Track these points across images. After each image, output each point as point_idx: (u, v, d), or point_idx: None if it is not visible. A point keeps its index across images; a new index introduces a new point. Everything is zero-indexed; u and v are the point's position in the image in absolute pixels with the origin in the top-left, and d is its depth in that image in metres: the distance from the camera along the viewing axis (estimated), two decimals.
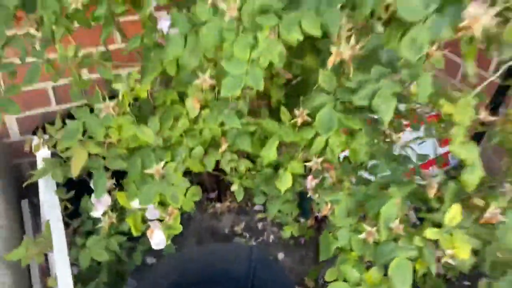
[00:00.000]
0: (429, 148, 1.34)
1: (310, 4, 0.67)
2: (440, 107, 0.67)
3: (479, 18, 0.50)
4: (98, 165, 0.80)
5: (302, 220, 1.55)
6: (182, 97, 0.87)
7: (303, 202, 1.56)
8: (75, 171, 0.77)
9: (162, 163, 0.79)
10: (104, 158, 0.80)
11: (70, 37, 0.88)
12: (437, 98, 0.69)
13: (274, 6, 0.65)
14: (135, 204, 0.98)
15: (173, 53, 0.69)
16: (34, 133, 1.53)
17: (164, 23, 0.85)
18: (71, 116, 1.07)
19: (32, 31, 0.83)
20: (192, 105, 0.77)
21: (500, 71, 0.99)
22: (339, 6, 0.66)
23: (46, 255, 1.13)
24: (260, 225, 1.70)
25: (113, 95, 0.85)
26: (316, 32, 0.63)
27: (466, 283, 1.51)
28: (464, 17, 0.51)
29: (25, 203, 1.60)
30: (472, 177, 0.67)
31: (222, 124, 0.87)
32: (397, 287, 0.68)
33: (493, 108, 1.43)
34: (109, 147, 0.80)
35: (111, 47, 1.57)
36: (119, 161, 0.79)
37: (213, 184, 1.77)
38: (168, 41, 0.70)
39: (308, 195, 0.98)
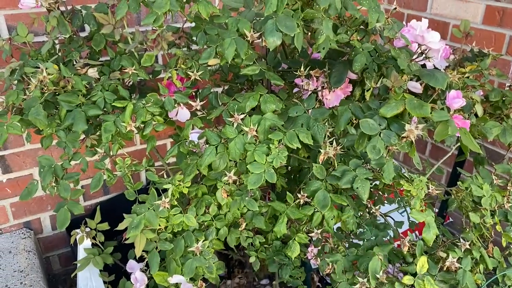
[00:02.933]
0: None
1: (302, 120, 0.98)
2: (400, 186, 0.95)
3: (413, 131, 0.80)
4: (152, 247, 1.03)
5: None
6: (209, 190, 1.13)
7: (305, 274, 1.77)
8: (138, 253, 1.01)
9: (200, 242, 1.03)
10: (155, 241, 1.04)
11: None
12: (398, 179, 0.97)
13: (278, 125, 0.94)
14: (172, 280, 1.20)
15: (208, 161, 0.97)
16: (66, 228, 1.75)
17: (194, 136, 1.14)
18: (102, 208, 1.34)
19: (97, 148, 1.10)
20: (221, 196, 1.03)
21: (452, 150, 1.29)
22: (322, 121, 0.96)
23: None
24: None
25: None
26: (309, 141, 0.93)
27: None
28: (404, 130, 0.81)
29: None
30: (429, 235, 0.92)
31: (241, 208, 1.13)
32: None
33: (453, 179, 1.71)
34: (158, 233, 1.04)
35: (132, 148, 1.86)
36: (167, 243, 1.03)
37: (223, 262, 1.96)
38: (204, 152, 0.98)
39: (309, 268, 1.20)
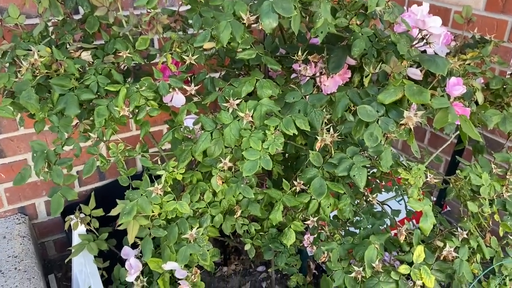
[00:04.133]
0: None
1: (299, 106, 0.95)
2: (398, 174, 0.93)
3: (412, 118, 0.78)
4: (145, 233, 1.02)
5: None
6: (204, 177, 1.12)
7: (301, 261, 1.77)
8: (131, 240, 1.00)
9: (194, 229, 1.01)
10: (149, 228, 1.02)
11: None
12: (396, 167, 0.95)
13: (275, 111, 0.92)
14: (166, 267, 1.19)
15: (203, 147, 0.95)
16: (61, 214, 1.74)
17: (189, 122, 1.12)
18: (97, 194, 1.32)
19: (90, 133, 1.08)
20: (216, 182, 1.02)
21: (451, 138, 1.27)
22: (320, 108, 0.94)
23: None
24: (264, 284, 1.88)
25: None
26: (306, 128, 0.91)
27: None
28: (403, 117, 0.79)
29: (52, 278, 1.77)
30: (427, 224, 0.91)
31: (236, 195, 1.11)
32: None
33: (452, 168, 1.70)
34: (152, 219, 1.03)
35: (128, 134, 1.84)
36: (160, 230, 1.02)
37: (219, 249, 1.96)
38: (199, 138, 0.96)
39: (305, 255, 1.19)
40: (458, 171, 1.16)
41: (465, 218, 1.10)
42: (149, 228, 1.02)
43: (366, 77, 0.94)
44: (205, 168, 1.09)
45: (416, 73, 1.00)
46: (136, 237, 1.08)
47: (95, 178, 1.86)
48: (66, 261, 1.37)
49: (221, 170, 1.02)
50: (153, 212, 1.01)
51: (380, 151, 0.92)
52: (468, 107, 1.08)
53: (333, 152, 0.96)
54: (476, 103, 1.17)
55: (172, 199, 1.00)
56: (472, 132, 0.80)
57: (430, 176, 0.95)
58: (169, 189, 1.00)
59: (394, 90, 0.79)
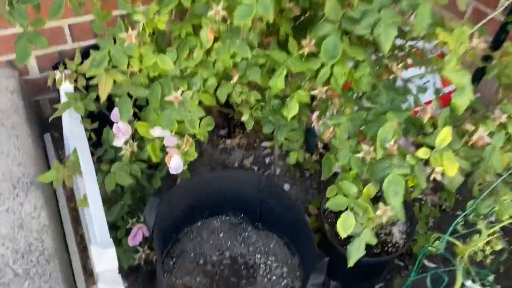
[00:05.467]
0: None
1: None
2: (436, 36, 0.72)
3: None
4: (122, 92, 0.87)
5: (307, 155, 1.65)
6: (196, 31, 0.92)
7: (309, 139, 1.65)
8: (102, 97, 0.85)
9: (180, 91, 0.86)
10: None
11: None
12: (434, 28, 0.74)
13: None
14: (154, 133, 1.07)
15: None
16: (53, 70, 1.60)
17: None
18: (88, 52, 1.15)
19: None
20: (207, 36, 0.83)
21: (501, 9, 1.03)
22: None
23: None
24: (267, 159, 1.80)
25: None
26: None
27: (459, 212, 1.61)
28: None
29: (47, 137, 1.70)
30: (462, 99, 0.73)
31: (233, 56, 0.93)
32: (390, 199, 0.77)
33: (496, 44, 1.46)
34: (132, 76, 0.87)
35: None
36: (141, 89, 0.87)
37: (224, 121, 1.85)
38: None
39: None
40: (506, 44, 0.95)
41: (505, 101, 0.92)
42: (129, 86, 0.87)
43: None
44: (196, 19, 0.89)
45: None
46: None
47: (90, 35, 1.68)
48: (50, 119, 1.26)
49: (213, 21, 0.83)
50: (132, 67, 0.85)
51: (417, 3, 0.70)
52: None
53: (355, 3, 0.75)
54: None
55: (151, 52, 0.83)
56: None
57: (476, 40, 0.75)
58: (148, 40, 0.82)
59: None
